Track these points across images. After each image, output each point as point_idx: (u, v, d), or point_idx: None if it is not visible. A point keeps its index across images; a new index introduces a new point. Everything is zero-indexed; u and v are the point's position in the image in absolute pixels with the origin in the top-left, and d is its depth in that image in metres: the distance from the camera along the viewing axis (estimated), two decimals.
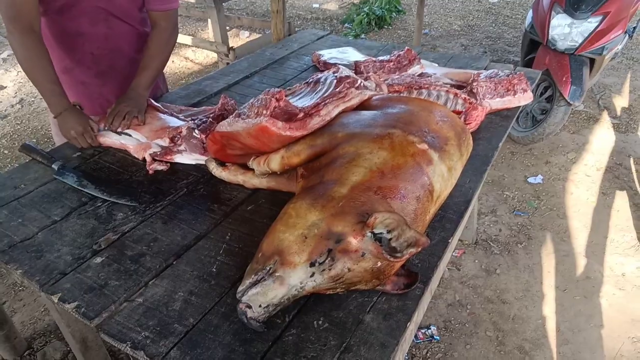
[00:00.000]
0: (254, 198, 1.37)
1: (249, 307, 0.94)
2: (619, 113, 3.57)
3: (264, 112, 1.20)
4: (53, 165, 1.45)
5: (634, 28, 3.18)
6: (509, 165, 3.02)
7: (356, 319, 1.01)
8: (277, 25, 2.62)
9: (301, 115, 1.21)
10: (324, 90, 1.38)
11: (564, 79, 2.80)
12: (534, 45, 3.04)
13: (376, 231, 0.97)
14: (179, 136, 1.49)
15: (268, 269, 0.98)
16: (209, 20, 4.63)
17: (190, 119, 1.63)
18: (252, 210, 1.33)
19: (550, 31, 2.84)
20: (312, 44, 2.50)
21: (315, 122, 1.21)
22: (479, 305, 2.09)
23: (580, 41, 2.78)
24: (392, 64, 1.95)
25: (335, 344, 0.96)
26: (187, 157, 1.49)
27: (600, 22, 2.72)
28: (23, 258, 1.16)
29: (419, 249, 0.94)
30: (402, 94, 1.70)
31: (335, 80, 1.37)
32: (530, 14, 3.10)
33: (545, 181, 2.87)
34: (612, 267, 2.28)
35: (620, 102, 3.72)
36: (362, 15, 5.57)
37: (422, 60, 2.05)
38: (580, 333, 1.98)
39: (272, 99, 1.19)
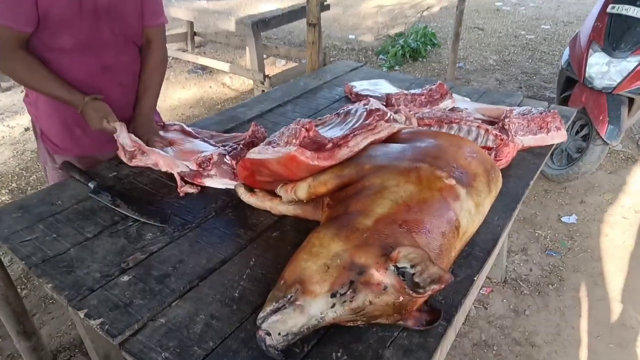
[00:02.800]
0: (280, 224, 1.39)
1: (269, 334, 0.94)
2: None
3: (294, 141, 1.22)
4: (89, 184, 1.51)
5: None
6: (541, 203, 2.95)
7: (376, 353, 1.00)
8: (312, 55, 2.68)
9: (330, 145, 1.23)
10: (353, 121, 1.39)
11: (600, 117, 2.74)
12: (571, 82, 3.00)
13: (399, 265, 0.97)
14: (208, 162, 1.53)
15: (289, 297, 0.99)
16: (247, 48, 4.78)
17: (221, 144, 1.67)
18: (278, 236, 1.34)
19: (587, 69, 2.80)
20: (345, 75, 2.54)
21: (344, 153, 1.23)
22: (505, 347, 2.02)
23: (618, 80, 2.73)
24: (423, 97, 1.96)
25: None
26: (217, 182, 1.53)
27: None
28: (54, 273, 1.20)
29: (442, 286, 0.93)
30: (431, 128, 1.70)
31: (365, 113, 1.39)
32: (567, 50, 3.07)
33: (580, 221, 2.78)
34: None
35: None
36: (397, 48, 5.63)
37: (454, 95, 2.05)
38: None
39: (302, 129, 1.22)
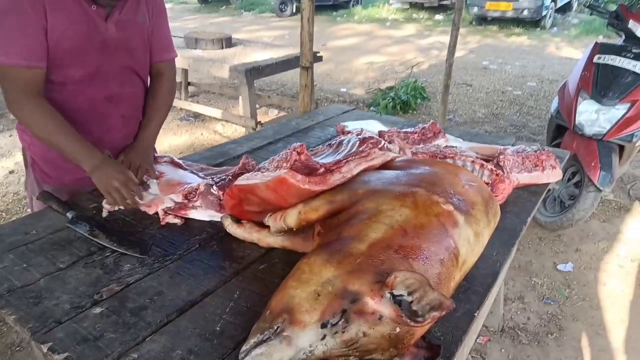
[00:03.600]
0: (268, 257, 1.31)
1: None
2: None
3: (284, 164, 1.17)
4: (67, 214, 1.43)
5: None
6: (536, 250, 2.89)
7: None
8: (304, 98, 2.69)
9: (322, 170, 1.18)
10: (346, 150, 1.35)
11: (592, 164, 2.75)
12: (561, 130, 3.03)
13: (396, 292, 0.89)
14: (194, 193, 1.47)
15: (276, 328, 0.90)
16: (240, 97, 4.84)
17: (210, 177, 1.62)
18: (265, 269, 1.26)
19: (577, 116, 2.84)
20: (337, 116, 2.54)
21: (336, 179, 1.18)
22: None
23: (608, 127, 2.76)
24: (416, 135, 1.94)
25: None
26: (202, 213, 1.46)
27: (629, 109, 2.71)
28: (20, 304, 1.10)
29: (443, 313, 0.85)
30: None
31: (358, 142, 1.36)
32: (556, 99, 3.13)
33: (576, 269, 2.72)
34: None
35: None
36: (388, 100, 5.74)
37: (447, 135, 2.04)
38: None
39: (294, 152, 1.17)
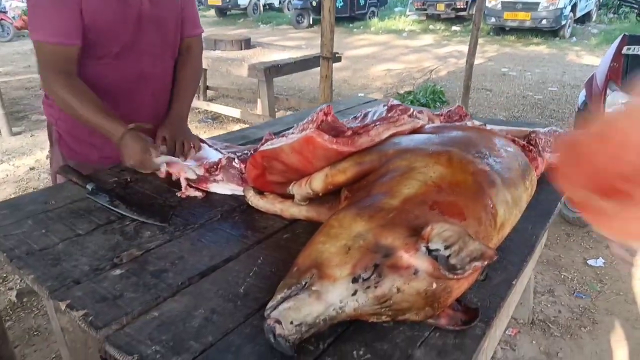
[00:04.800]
0: (291, 227, 1.26)
1: (279, 322, 0.79)
2: None
3: (310, 126, 1.13)
4: (87, 186, 1.40)
5: None
6: (564, 246, 2.79)
7: (404, 353, 0.84)
8: (325, 89, 2.66)
9: (349, 133, 1.13)
10: (374, 118, 1.31)
11: None
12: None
13: (432, 246, 0.84)
14: (216, 166, 1.44)
15: (304, 283, 0.85)
16: (259, 100, 4.84)
17: (232, 152, 1.58)
18: (289, 238, 1.21)
19: (606, 109, 2.75)
20: (358, 106, 2.50)
21: (364, 141, 1.13)
22: None
23: None
24: (442, 117, 1.88)
25: None
26: (223, 187, 1.42)
27: None
28: (38, 265, 1.07)
29: (486, 263, 0.79)
30: None
31: (385, 110, 1.31)
32: (582, 92, 3.05)
33: (608, 265, 2.62)
34: None
35: None
36: (407, 103, 5.69)
37: (473, 120, 1.98)
38: None
39: (320, 112, 1.13)
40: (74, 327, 1.33)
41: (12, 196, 3.53)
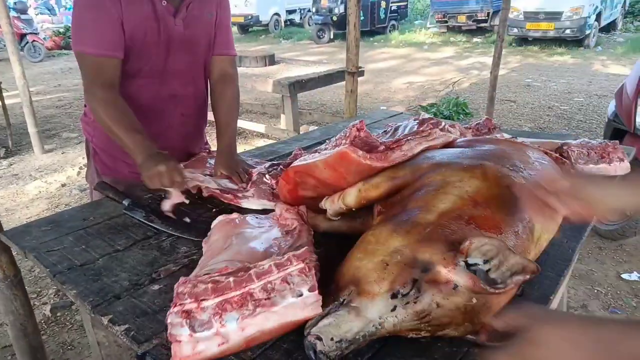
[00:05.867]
0: (325, 241, 1.26)
1: (319, 339, 0.80)
2: None
3: (344, 141, 1.14)
4: (124, 202, 1.44)
5: None
6: (597, 260, 2.73)
7: None
8: (350, 104, 2.68)
9: (382, 148, 1.14)
10: (405, 132, 1.31)
11: None
12: (620, 134, 2.89)
13: (471, 261, 0.84)
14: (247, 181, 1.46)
15: (342, 300, 0.86)
16: (282, 115, 4.89)
17: (263, 167, 1.60)
18: (321, 253, 1.21)
19: (637, 118, 2.71)
20: (383, 120, 2.51)
21: (397, 156, 1.13)
22: None
23: None
24: (471, 131, 1.88)
25: None
26: (254, 203, 1.44)
27: None
28: (80, 280, 1.10)
29: (527, 277, 0.78)
30: None
31: (417, 124, 1.31)
32: (613, 102, 3.00)
33: None
34: None
35: None
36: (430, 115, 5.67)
37: (502, 132, 1.97)
38: None
39: (353, 128, 1.14)
40: (110, 342, 1.37)
41: (46, 212, 3.65)
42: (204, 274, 0.92)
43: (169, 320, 0.83)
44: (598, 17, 11.44)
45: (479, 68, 9.35)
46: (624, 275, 2.58)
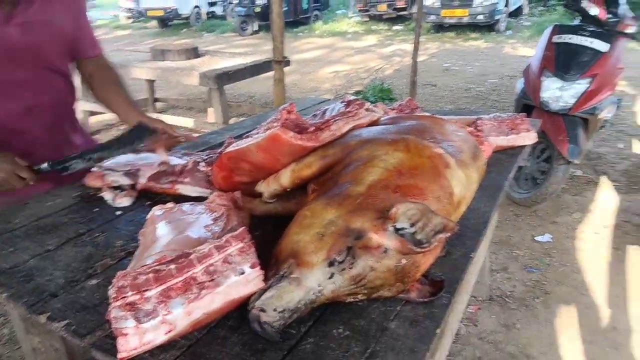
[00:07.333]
0: (262, 223, 1.30)
1: (263, 310, 0.84)
2: (616, 177, 3.62)
3: (275, 124, 1.18)
4: (41, 167, 1.39)
5: (620, 100, 3.33)
6: (514, 226, 2.98)
7: (380, 327, 0.91)
8: (278, 92, 2.71)
9: (312, 129, 1.19)
10: (332, 114, 1.37)
11: (560, 138, 2.86)
12: (528, 109, 3.14)
13: (398, 225, 0.91)
14: (182, 170, 1.46)
15: (283, 273, 0.90)
16: (209, 109, 4.82)
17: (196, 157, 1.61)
18: (260, 235, 1.25)
19: (542, 94, 2.96)
20: (313, 107, 2.56)
21: (326, 136, 1.18)
22: None
23: (572, 102, 2.88)
24: (394, 112, 1.98)
25: (358, 350, 0.85)
26: (190, 189, 1.45)
27: (590, 83, 2.85)
28: (11, 282, 1.06)
29: (449, 234, 0.87)
30: None
31: (343, 106, 1.38)
32: (520, 80, 3.25)
33: (554, 240, 2.82)
34: (638, 317, 2.17)
35: (616, 167, 3.81)
36: None
37: (424, 112, 2.09)
38: None
39: (284, 111, 1.18)
40: (46, 347, 1.32)
41: None
42: (143, 266, 0.92)
43: (112, 315, 0.82)
44: (507, 2, 12.19)
45: (401, 55, 9.68)
46: (538, 238, 2.84)
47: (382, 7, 13.82)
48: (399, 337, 0.87)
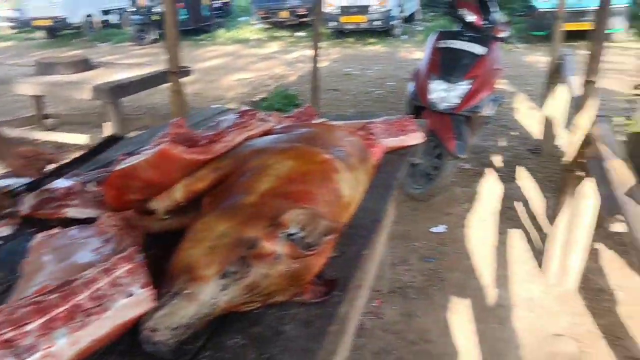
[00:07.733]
0: (158, 241, 1.28)
1: (155, 330, 0.83)
2: (500, 167, 3.99)
3: (164, 140, 1.17)
4: None
5: (500, 98, 3.69)
6: (412, 220, 3.18)
7: (275, 331, 0.93)
8: (176, 104, 2.66)
9: (205, 141, 1.20)
10: (227, 125, 1.39)
11: (448, 135, 3.10)
12: (418, 109, 3.36)
13: (290, 231, 0.95)
14: (69, 192, 1.39)
15: (176, 290, 0.90)
16: (105, 124, 4.56)
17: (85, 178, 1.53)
18: (155, 252, 1.23)
19: (429, 95, 3.19)
20: (214, 116, 2.54)
21: (219, 147, 1.20)
22: (404, 349, 2.08)
23: (457, 102, 3.14)
24: (293, 119, 2.03)
25: (254, 357, 0.86)
26: (80, 212, 1.38)
27: (471, 84, 3.12)
28: None
29: (335, 235, 0.92)
30: None
31: (237, 117, 1.40)
32: (411, 83, 3.47)
33: (448, 230, 3.05)
34: (519, 293, 2.43)
35: (499, 159, 4.19)
36: (262, 109, 5.84)
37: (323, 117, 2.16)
38: (501, 357, 2.06)
39: (173, 125, 1.18)
40: None
41: None
42: (22, 298, 0.87)
43: None
44: (402, 9, 12.87)
45: (304, 61, 9.83)
46: (433, 229, 3.06)
47: (284, 14, 13.96)
48: (294, 339, 0.91)
